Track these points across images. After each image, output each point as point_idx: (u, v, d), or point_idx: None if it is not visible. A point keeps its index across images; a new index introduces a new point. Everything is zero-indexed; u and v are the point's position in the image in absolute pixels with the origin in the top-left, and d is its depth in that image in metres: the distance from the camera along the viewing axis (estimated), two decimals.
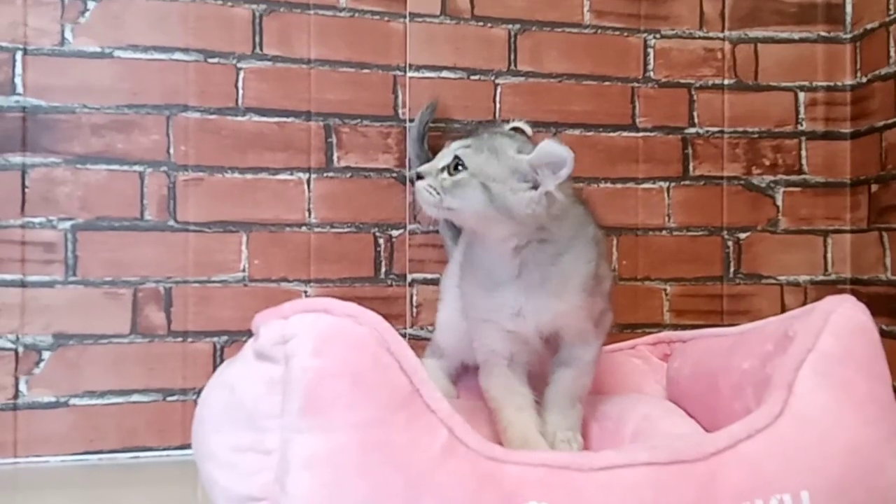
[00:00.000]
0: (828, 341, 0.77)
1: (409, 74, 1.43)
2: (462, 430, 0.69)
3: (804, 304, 1.56)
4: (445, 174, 0.92)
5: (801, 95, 1.57)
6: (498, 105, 1.47)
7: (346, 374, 0.68)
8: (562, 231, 0.94)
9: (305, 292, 1.38)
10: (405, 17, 1.43)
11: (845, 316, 0.79)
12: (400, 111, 1.42)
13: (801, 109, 1.57)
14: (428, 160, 1.35)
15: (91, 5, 1.29)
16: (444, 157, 0.94)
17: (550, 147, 0.89)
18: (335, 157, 1.40)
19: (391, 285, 1.42)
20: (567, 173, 0.88)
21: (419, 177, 0.93)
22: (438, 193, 0.91)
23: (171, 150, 1.33)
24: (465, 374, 1.21)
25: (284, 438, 0.69)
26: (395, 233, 1.42)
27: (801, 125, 1.57)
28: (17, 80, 1.27)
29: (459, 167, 0.91)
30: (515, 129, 1.02)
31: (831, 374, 0.75)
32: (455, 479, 0.65)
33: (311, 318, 0.72)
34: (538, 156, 0.90)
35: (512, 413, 0.96)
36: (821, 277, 1.57)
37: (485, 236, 0.95)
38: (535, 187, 0.90)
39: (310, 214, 1.39)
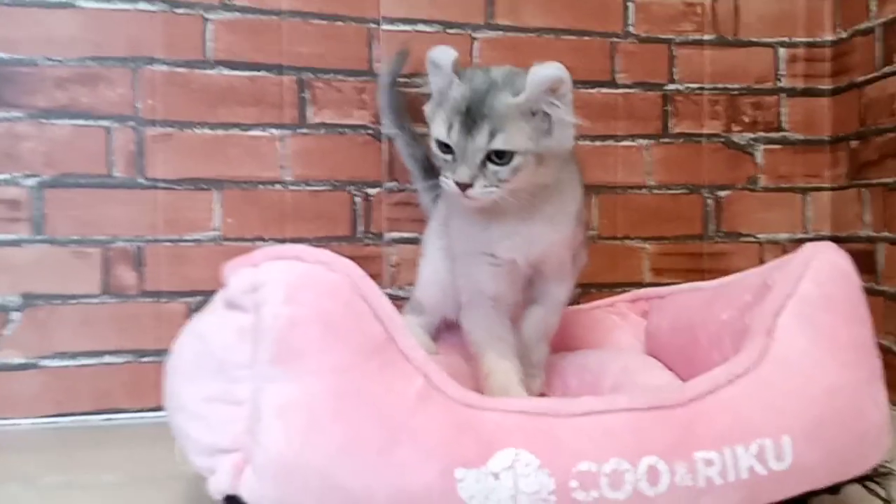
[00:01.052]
0: (808, 287, 0.76)
1: (384, 27, 1.39)
2: (438, 377, 0.68)
3: None
4: (492, 167, 0.88)
5: (782, 51, 1.55)
6: (475, 60, 1.43)
7: (317, 321, 0.66)
8: (570, 141, 0.92)
9: None
10: None
11: (826, 262, 0.78)
12: (374, 65, 1.39)
13: (781, 66, 1.56)
14: (398, 111, 1.31)
15: None
16: (474, 154, 0.88)
17: (538, 74, 0.87)
18: (309, 113, 1.37)
19: (368, 244, 1.40)
20: (568, 87, 0.87)
21: (464, 186, 0.88)
22: (498, 187, 0.88)
23: (139, 105, 1.29)
24: (446, 332, 1.20)
25: (256, 388, 0.67)
26: (371, 191, 1.39)
27: (781, 82, 1.56)
28: None
29: (504, 155, 0.87)
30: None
31: (811, 319, 0.75)
32: (432, 426, 0.64)
33: (282, 265, 0.70)
34: (532, 89, 0.87)
35: (494, 360, 0.95)
36: (800, 235, 1.57)
37: (529, 189, 0.91)
38: (546, 113, 0.88)
39: (284, 172, 1.36)
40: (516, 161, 0.87)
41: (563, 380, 0.99)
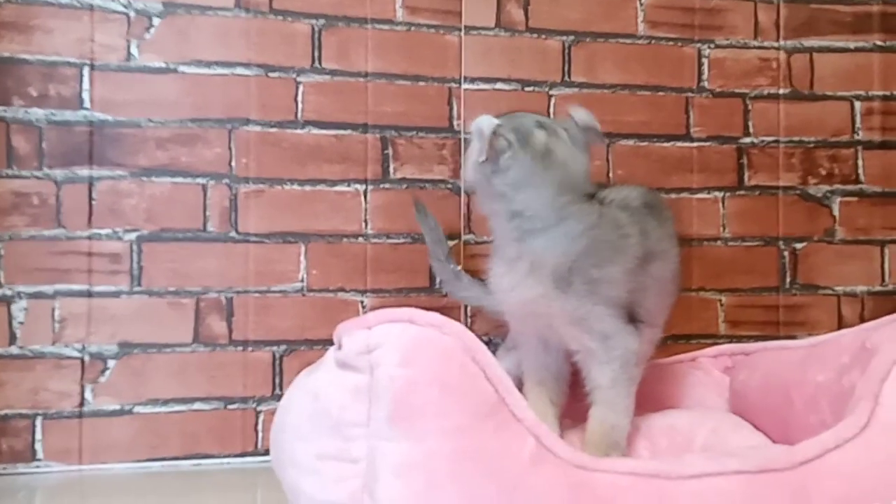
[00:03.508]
0: None
1: (464, 87, 1.44)
2: (549, 438, 0.70)
3: (861, 315, 1.54)
4: None
5: (858, 105, 1.56)
6: (552, 116, 1.47)
7: (434, 382, 0.69)
8: (532, 206, 0.96)
9: (362, 302, 1.40)
10: (460, 29, 1.44)
11: None
12: (455, 123, 1.43)
13: (858, 119, 1.56)
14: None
15: (156, 21, 1.32)
16: None
17: (476, 122, 0.97)
18: (391, 169, 1.41)
19: (446, 295, 1.43)
20: (479, 146, 0.95)
21: None
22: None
23: (233, 163, 1.35)
24: None
25: (372, 447, 0.70)
26: (449, 243, 1.43)
27: (858, 135, 1.56)
28: (85, 95, 1.30)
29: None
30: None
31: None
32: (547, 486, 0.66)
33: (396, 328, 0.73)
34: (472, 130, 0.97)
35: (529, 386, 1.00)
36: (878, 288, 1.55)
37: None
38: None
39: (366, 225, 1.40)
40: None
41: (650, 441, 0.99)
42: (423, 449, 0.67)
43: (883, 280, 1.55)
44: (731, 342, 1.40)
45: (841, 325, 1.52)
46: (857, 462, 0.70)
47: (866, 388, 0.76)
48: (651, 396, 1.17)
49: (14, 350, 1.26)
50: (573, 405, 1.02)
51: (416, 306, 1.40)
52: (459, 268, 1.34)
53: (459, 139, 1.44)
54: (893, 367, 0.76)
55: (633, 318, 0.99)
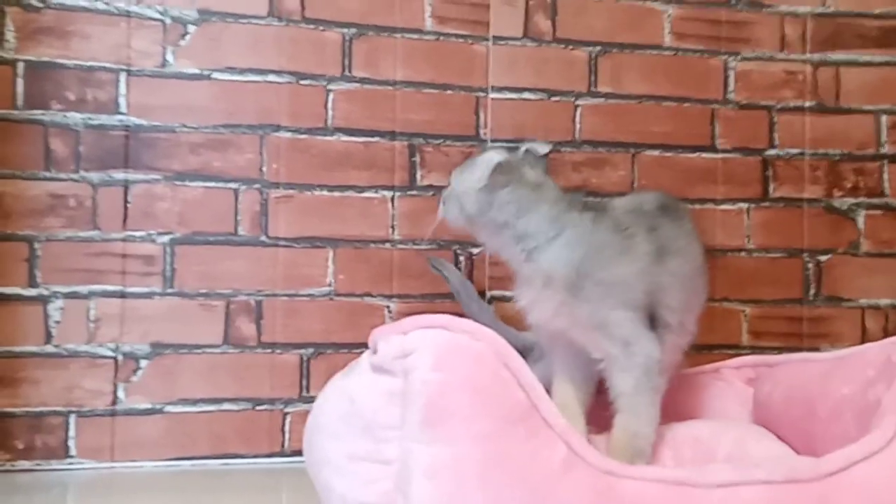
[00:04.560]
0: None
1: (491, 95, 1.46)
2: (580, 445, 0.71)
3: (885, 327, 1.54)
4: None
5: (883, 118, 1.56)
6: (578, 125, 1.49)
7: (466, 387, 0.71)
8: (533, 226, 1.00)
9: (388, 307, 1.42)
10: (488, 39, 1.46)
11: None
12: (481, 131, 1.45)
13: (883, 132, 1.56)
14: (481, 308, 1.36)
15: (191, 29, 1.35)
16: None
17: (485, 155, 1.05)
18: (418, 176, 1.44)
19: None
20: (480, 174, 1.02)
21: None
22: (443, 204, 1.08)
23: (264, 168, 1.38)
24: None
25: (405, 449, 0.72)
26: (474, 250, 1.45)
27: (884, 148, 1.56)
28: (121, 100, 1.33)
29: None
30: (527, 150, 1.08)
31: None
32: (576, 493, 0.67)
33: (431, 333, 0.74)
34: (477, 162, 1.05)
35: (558, 382, 1.02)
36: None
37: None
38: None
39: (393, 231, 1.42)
40: (446, 191, 1.09)
41: (675, 451, 1.00)
42: (454, 452, 0.68)
43: None
44: (753, 353, 1.40)
45: (865, 337, 1.53)
46: (882, 475, 0.71)
47: (892, 402, 0.76)
48: (674, 407, 1.18)
49: (50, 349, 1.29)
50: (598, 414, 1.03)
51: (442, 312, 1.43)
52: (491, 307, 1.38)
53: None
54: None
55: (657, 324, 1.00)
